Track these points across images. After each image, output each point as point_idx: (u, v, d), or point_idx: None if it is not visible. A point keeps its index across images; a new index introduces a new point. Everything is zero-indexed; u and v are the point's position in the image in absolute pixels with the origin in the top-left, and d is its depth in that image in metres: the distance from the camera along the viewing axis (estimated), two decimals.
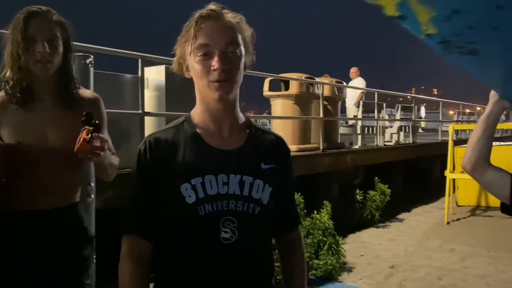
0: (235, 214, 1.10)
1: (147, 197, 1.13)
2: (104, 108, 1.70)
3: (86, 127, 1.39)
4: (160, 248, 1.13)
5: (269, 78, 6.51)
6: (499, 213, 7.63)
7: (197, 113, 1.18)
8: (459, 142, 9.12)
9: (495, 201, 7.91)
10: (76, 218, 1.64)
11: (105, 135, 1.56)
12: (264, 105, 7.06)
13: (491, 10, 0.87)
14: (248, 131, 1.20)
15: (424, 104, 20.46)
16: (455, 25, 0.97)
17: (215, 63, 1.06)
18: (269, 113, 7.00)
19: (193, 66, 1.10)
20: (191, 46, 1.09)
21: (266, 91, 6.55)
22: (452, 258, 5.37)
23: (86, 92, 1.69)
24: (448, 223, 7.22)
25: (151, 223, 1.12)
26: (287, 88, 6.48)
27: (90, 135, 1.38)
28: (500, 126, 14.06)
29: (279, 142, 1.29)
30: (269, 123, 10.02)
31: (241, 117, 1.20)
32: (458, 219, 7.52)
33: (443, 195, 7.69)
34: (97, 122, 1.42)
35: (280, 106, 6.46)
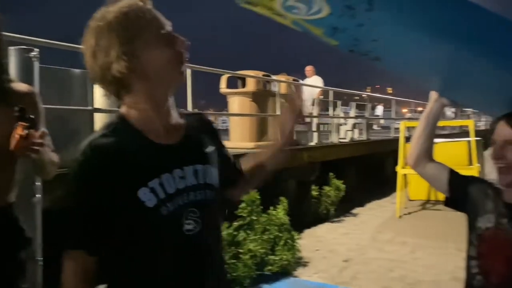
0: (197, 204, 1.09)
1: (94, 209, 1.04)
2: (41, 102, 1.62)
3: (20, 122, 1.32)
4: (114, 258, 1.07)
5: (226, 75, 6.49)
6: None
7: (135, 110, 1.10)
8: (410, 138, 9.47)
9: (443, 195, 8.37)
10: (8, 219, 1.54)
11: (43, 130, 1.48)
12: (224, 103, 7.02)
13: (356, 27, 0.97)
14: (183, 120, 1.18)
15: (382, 104, 21.13)
16: (345, 38, 1.05)
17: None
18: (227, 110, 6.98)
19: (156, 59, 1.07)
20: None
21: (223, 88, 6.53)
22: (403, 251, 5.57)
23: (21, 86, 1.60)
24: (400, 217, 7.50)
25: (99, 237, 1.04)
26: (244, 86, 6.49)
27: (26, 131, 1.31)
28: (448, 123, 14.77)
29: (203, 118, 1.30)
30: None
31: (174, 108, 1.18)
32: (409, 213, 7.82)
33: (395, 190, 7.98)
34: (32, 117, 1.35)
35: (237, 103, 6.46)
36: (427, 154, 1.47)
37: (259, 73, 6.41)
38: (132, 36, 1.03)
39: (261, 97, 6.41)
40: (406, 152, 8.08)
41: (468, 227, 1.41)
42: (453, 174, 1.44)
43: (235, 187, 1.35)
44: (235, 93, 6.43)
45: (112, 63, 1.01)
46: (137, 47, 1.03)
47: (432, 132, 1.47)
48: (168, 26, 1.09)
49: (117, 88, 1.07)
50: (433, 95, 1.43)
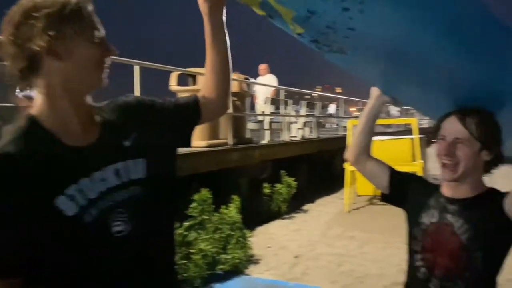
0: (123, 204, 1.03)
1: (9, 229, 0.92)
2: None
3: None
4: (41, 277, 0.97)
5: (176, 72, 6.37)
6: None
7: (47, 110, 1.01)
8: None
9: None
10: None
11: None
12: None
13: (340, 11, 0.93)
14: (98, 116, 1.10)
15: (335, 103, 21.66)
16: (316, 25, 1.01)
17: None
18: None
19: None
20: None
21: (173, 86, 6.40)
22: (351, 245, 5.74)
23: None
24: (348, 212, 7.73)
25: (15, 259, 0.93)
26: (195, 83, 6.40)
27: None
28: (393, 121, 15.40)
29: (119, 103, 1.17)
30: None
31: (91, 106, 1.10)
32: (357, 208, 8.08)
33: (344, 186, 8.21)
34: None
35: None
36: (366, 151, 1.50)
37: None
38: (65, 19, 0.96)
39: None
40: None
41: (408, 222, 1.46)
42: (393, 171, 1.48)
43: (206, 114, 1.28)
44: (186, 91, 6.30)
45: (35, 37, 0.93)
46: (67, 31, 0.96)
47: (372, 129, 1.50)
48: (103, 31, 1.04)
49: (30, 66, 0.96)
50: (374, 92, 1.46)
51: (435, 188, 1.44)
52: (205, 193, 4.69)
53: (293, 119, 9.97)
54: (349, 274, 4.70)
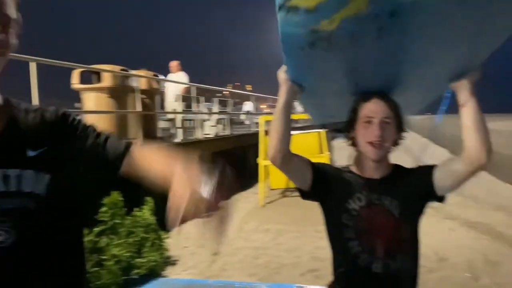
0: (6, 214, 0.92)
1: None
2: None
3: None
4: None
5: (78, 70, 5.97)
6: None
7: None
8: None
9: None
10: None
11: None
12: (78, 100, 6.43)
13: None
14: (7, 115, 1.00)
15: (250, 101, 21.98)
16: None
17: None
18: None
19: None
20: None
21: (75, 84, 5.99)
22: (266, 238, 5.88)
23: None
24: (263, 206, 7.90)
25: None
26: (99, 81, 6.05)
27: None
28: (301, 116, 16.00)
29: (51, 116, 1.07)
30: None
31: None
32: (271, 201, 8.29)
33: (258, 181, 8.37)
34: None
35: (92, 100, 6.00)
36: (289, 147, 1.40)
37: (116, 68, 6.04)
38: None
39: (119, 93, 6.06)
40: (266, 144, 8.57)
41: (333, 213, 1.45)
42: (314, 165, 1.47)
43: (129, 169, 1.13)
44: (90, 89, 5.95)
45: None
46: None
47: (290, 124, 1.41)
48: None
49: None
50: (285, 83, 1.40)
51: (350, 172, 1.49)
52: (115, 196, 4.46)
53: (206, 116, 9.92)
54: (266, 266, 4.80)
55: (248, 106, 17.12)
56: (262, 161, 8.04)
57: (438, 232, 5.87)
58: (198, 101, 9.14)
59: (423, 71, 1.33)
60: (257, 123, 12.38)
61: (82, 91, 6.09)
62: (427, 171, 1.41)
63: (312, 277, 4.34)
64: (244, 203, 8.36)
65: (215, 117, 9.96)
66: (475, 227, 6.09)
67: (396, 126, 1.41)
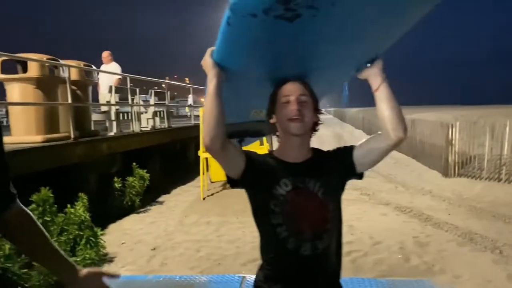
0: None
1: None
2: None
3: None
4: None
5: (0, 58, 5.52)
6: None
7: None
8: None
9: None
10: None
11: None
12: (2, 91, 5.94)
13: None
14: None
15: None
16: None
17: None
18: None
19: None
20: None
21: None
22: (208, 230, 5.83)
23: None
24: (204, 198, 7.83)
25: None
26: (25, 71, 5.64)
27: None
28: None
29: None
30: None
31: None
32: (212, 194, 8.24)
33: (199, 174, 8.28)
34: None
35: (18, 91, 5.57)
36: (225, 133, 1.36)
37: (43, 57, 5.65)
38: None
39: (48, 83, 5.66)
40: None
41: (260, 199, 1.45)
42: (246, 152, 1.47)
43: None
44: (14, 80, 5.51)
45: None
46: None
47: (224, 109, 1.36)
48: None
49: None
50: (213, 69, 1.36)
51: (274, 158, 1.50)
52: (45, 192, 4.19)
53: (142, 109, 9.62)
54: (208, 258, 4.76)
55: (190, 100, 16.92)
56: (203, 154, 7.96)
57: (372, 217, 6.16)
58: (134, 93, 8.82)
59: (334, 58, 1.43)
60: (197, 115, 12.23)
61: (5, 82, 5.64)
62: (346, 151, 1.50)
63: (254, 267, 4.33)
64: (185, 197, 8.24)
65: (152, 109, 9.69)
66: (405, 212, 6.46)
67: (312, 105, 1.48)
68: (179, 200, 7.97)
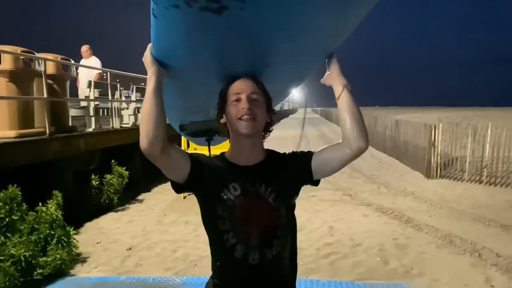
0: None
1: None
2: None
3: None
4: None
5: None
6: None
7: None
8: None
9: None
10: None
11: None
12: None
13: None
14: None
15: None
16: None
17: None
18: None
19: None
20: None
21: None
22: (186, 230, 5.71)
23: None
24: (184, 197, 7.68)
25: None
26: None
27: None
28: None
29: None
30: None
31: None
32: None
33: None
34: None
35: None
36: (166, 137, 1.25)
37: (17, 49, 5.46)
38: None
39: (22, 77, 5.47)
40: None
41: (209, 204, 1.36)
42: (190, 155, 1.35)
43: None
44: None
45: None
46: None
47: (164, 109, 1.26)
48: None
49: None
50: (152, 66, 1.27)
51: (224, 161, 1.41)
52: (12, 190, 4.03)
53: (124, 105, 9.43)
54: (184, 259, 4.65)
55: None
56: (186, 150, 7.81)
57: (354, 218, 6.11)
58: (114, 88, 8.63)
59: (281, 55, 1.33)
60: None
61: None
62: (305, 156, 1.41)
63: None
64: (165, 195, 8.09)
65: (133, 105, 9.50)
66: (387, 213, 6.43)
67: (265, 104, 1.39)
68: (159, 198, 7.83)
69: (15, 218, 4.02)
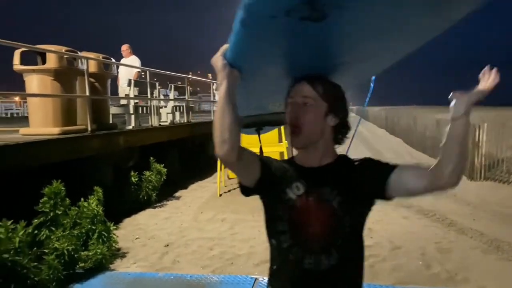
0: None
1: None
2: None
3: None
4: None
5: (20, 50, 5.53)
6: None
7: None
8: None
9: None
10: None
11: None
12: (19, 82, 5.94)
13: None
14: None
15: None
16: None
17: None
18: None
19: None
20: None
21: (16, 65, 5.55)
22: (222, 228, 5.73)
23: None
24: (220, 195, 7.73)
25: None
26: (44, 62, 5.64)
27: None
28: None
29: None
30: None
31: None
32: (229, 191, 8.14)
33: (217, 169, 8.19)
34: None
35: (36, 82, 5.58)
36: (240, 143, 1.21)
37: (62, 48, 5.63)
38: None
39: (66, 75, 5.65)
40: None
41: (271, 205, 1.33)
42: (261, 159, 1.33)
43: None
44: (33, 71, 5.51)
45: None
46: None
47: (237, 113, 1.21)
48: None
49: None
50: (223, 69, 1.21)
51: (291, 162, 1.37)
52: (57, 185, 4.15)
53: (162, 103, 9.59)
54: (220, 256, 4.65)
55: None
56: None
57: (393, 220, 5.94)
58: (153, 87, 8.78)
59: (361, 54, 1.28)
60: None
61: (24, 73, 5.65)
62: (381, 170, 1.27)
63: (267, 268, 4.21)
64: (201, 192, 8.17)
65: (172, 104, 9.64)
66: (427, 215, 6.21)
67: (320, 109, 1.28)
68: (195, 195, 7.91)
69: (59, 212, 4.14)
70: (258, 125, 1.86)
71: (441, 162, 1.17)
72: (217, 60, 1.22)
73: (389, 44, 1.22)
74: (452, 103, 1.16)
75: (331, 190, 1.27)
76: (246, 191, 1.34)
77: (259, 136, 1.87)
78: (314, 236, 1.25)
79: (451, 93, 1.18)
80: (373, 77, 1.59)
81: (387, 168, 1.26)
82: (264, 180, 1.30)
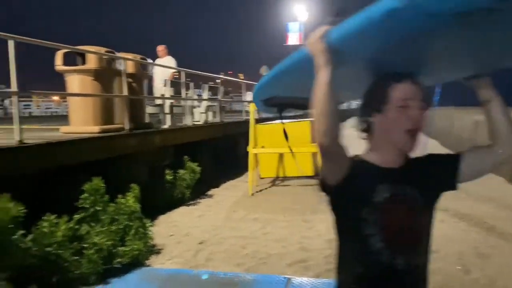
0: None
1: None
2: None
3: None
4: None
5: (62, 51, 5.74)
6: (294, 182, 8.62)
7: None
8: (260, 120, 9.85)
9: (290, 172, 8.72)
10: None
11: None
12: (61, 82, 6.18)
13: None
14: None
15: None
16: None
17: None
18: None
19: None
20: None
21: (59, 65, 5.77)
22: (254, 227, 5.75)
23: None
24: (252, 194, 7.77)
25: None
26: (84, 63, 5.83)
27: None
28: None
29: None
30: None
31: None
32: (260, 190, 8.17)
33: (248, 169, 8.24)
34: None
35: (77, 82, 5.78)
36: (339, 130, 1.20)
37: (101, 49, 5.82)
38: None
39: (105, 75, 5.84)
40: (256, 132, 8.46)
41: (350, 209, 1.30)
42: (351, 156, 1.31)
43: None
44: (74, 71, 5.72)
45: None
46: None
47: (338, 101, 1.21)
48: None
49: None
50: (323, 53, 1.15)
51: (368, 163, 1.33)
52: (97, 182, 4.29)
53: (196, 103, 9.72)
54: (253, 255, 4.68)
55: (249, 95, 17.05)
56: (252, 149, 7.90)
57: None
58: (188, 87, 8.93)
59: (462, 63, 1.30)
60: (247, 111, 12.22)
61: (66, 73, 5.87)
62: (452, 159, 1.35)
63: (300, 268, 4.22)
64: (233, 191, 8.23)
65: (205, 103, 9.76)
66: (465, 219, 6.03)
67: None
68: (227, 194, 7.98)
69: (98, 208, 4.28)
70: (285, 107, 1.83)
71: (499, 135, 1.31)
72: (316, 42, 1.16)
73: (483, 55, 1.21)
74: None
75: (413, 191, 1.30)
76: (327, 188, 1.31)
77: (281, 116, 1.83)
78: (404, 237, 1.27)
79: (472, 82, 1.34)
80: (439, 85, 1.54)
81: (454, 160, 1.33)
82: (349, 180, 1.27)
